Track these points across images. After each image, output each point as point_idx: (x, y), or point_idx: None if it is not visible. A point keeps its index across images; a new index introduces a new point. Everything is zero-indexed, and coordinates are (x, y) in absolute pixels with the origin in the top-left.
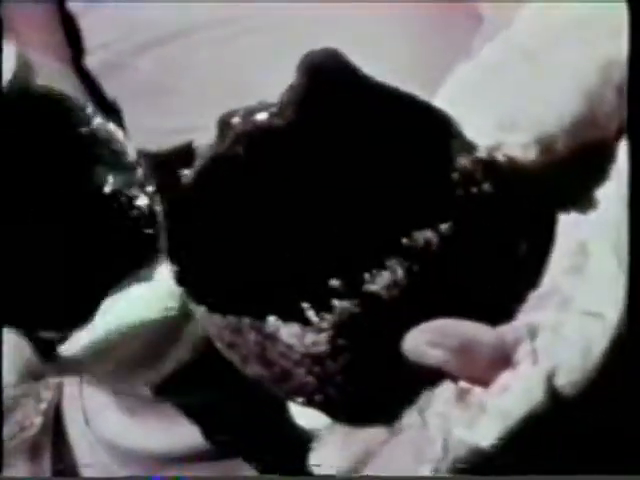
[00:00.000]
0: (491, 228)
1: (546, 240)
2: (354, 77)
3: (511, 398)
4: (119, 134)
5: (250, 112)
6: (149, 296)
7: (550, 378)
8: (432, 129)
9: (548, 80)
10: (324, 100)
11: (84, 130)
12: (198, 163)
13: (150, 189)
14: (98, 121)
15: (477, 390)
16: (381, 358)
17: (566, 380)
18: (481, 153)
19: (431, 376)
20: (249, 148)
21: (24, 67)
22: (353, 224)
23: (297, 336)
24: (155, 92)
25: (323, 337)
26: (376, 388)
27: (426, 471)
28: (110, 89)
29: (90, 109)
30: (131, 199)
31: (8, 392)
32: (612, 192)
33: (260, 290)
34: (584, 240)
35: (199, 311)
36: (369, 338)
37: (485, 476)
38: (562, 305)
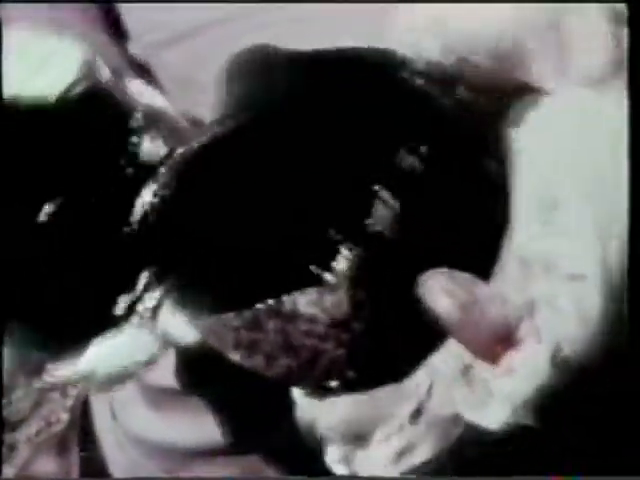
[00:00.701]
0: (460, 144)
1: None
2: (291, 58)
3: (518, 380)
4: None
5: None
6: (130, 345)
7: (556, 354)
8: (381, 68)
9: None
10: (272, 90)
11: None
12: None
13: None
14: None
15: (482, 366)
16: (400, 306)
17: (571, 351)
18: (422, 66)
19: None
20: (212, 162)
21: (89, 67)
22: (337, 174)
23: (317, 303)
24: (181, 86)
25: (342, 294)
26: (399, 341)
27: (408, 407)
28: None
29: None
30: None
31: (34, 386)
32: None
33: (264, 272)
34: (555, 195)
35: (206, 325)
36: (385, 284)
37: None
38: (547, 271)
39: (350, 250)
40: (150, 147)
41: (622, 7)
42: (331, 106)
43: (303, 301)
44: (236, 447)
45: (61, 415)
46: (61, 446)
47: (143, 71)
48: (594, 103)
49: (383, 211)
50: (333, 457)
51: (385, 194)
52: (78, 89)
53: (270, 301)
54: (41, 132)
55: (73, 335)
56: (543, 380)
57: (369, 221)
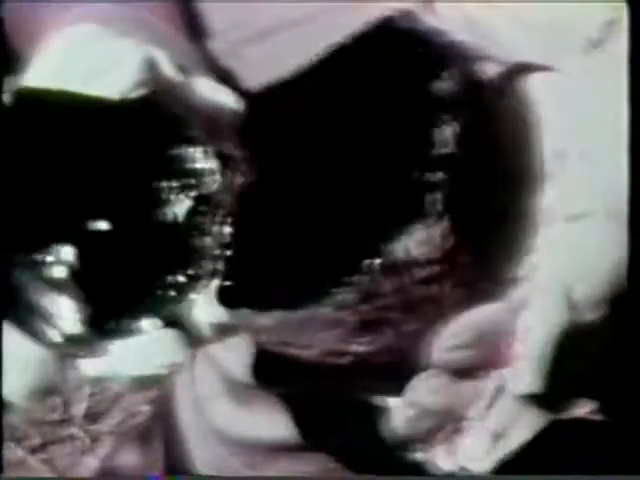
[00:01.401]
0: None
1: None
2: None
3: (537, 336)
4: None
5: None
6: (153, 348)
7: (568, 297)
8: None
9: None
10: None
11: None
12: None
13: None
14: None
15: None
16: (494, 222)
17: (583, 293)
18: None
19: None
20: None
21: (151, 71)
22: (395, 124)
23: (426, 240)
24: (262, 83)
25: (445, 224)
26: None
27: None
28: None
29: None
30: None
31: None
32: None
33: (366, 232)
34: (561, 149)
35: (316, 320)
36: (472, 202)
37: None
38: (548, 221)
39: (436, 180)
40: (202, 158)
41: None
42: (364, 72)
43: (413, 243)
44: (306, 444)
45: (142, 407)
46: (144, 438)
47: (221, 69)
48: (595, 67)
49: (445, 135)
50: (437, 452)
51: (441, 118)
52: (136, 93)
53: (383, 256)
54: (95, 133)
55: (100, 333)
56: (562, 325)
57: (438, 149)
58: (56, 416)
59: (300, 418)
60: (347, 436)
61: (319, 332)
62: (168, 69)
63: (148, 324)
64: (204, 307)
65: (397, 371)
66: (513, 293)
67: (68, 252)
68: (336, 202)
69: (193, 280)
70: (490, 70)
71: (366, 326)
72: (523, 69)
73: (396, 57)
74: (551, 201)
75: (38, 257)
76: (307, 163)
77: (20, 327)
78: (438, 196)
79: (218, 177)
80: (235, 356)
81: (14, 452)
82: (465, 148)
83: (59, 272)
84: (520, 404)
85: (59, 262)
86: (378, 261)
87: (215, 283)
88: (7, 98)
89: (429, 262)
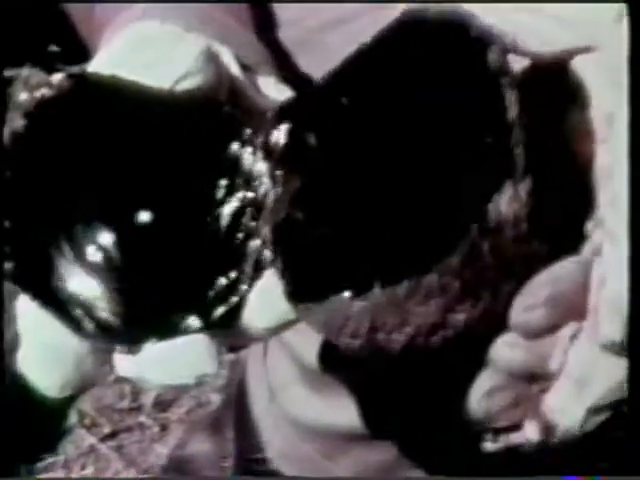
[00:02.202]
0: None
1: None
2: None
3: (614, 284)
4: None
5: None
6: (184, 359)
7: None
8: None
9: None
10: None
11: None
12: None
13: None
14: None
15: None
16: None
17: None
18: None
19: None
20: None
21: (206, 63)
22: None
23: (514, 197)
24: None
25: (524, 184)
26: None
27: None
28: (301, 66)
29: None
30: None
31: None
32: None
33: (463, 195)
34: (610, 111)
35: (425, 288)
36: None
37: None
38: (605, 183)
39: (512, 141)
40: (250, 158)
41: None
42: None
43: (504, 202)
44: (371, 432)
45: (211, 396)
46: (215, 427)
47: (288, 65)
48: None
49: (510, 101)
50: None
51: (501, 85)
52: (189, 84)
53: (480, 216)
54: (145, 123)
55: (135, 328)
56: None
57: (506, 113)
58: (125, 404)
59: (367, 406)
60: (415, 425)
61: (420, 305)
62: (232, 67)
63: (185, 324)
64: (256, 311)
65: (487, 342)
66: (584, 246)
67: (109, 240)
68: (425, 172)
69: (235, 283)
70: (517, 62)
71: (467, 290)
72: (564, 57)
73: (446, 34)
74: (607, 160)
75: (79, 242)
76: (392, 138)
77: (56, 314)
78: (520, 154)
79: (267, 180)
80: (309, 342)
81: (85, 439)
82: (528, 112)
83: (98, 259)
84: (598, 351)
85: (99, 249)
86: (476, 222)
87: (273, 283)
88: (66, 83)
89: (518, 220)
